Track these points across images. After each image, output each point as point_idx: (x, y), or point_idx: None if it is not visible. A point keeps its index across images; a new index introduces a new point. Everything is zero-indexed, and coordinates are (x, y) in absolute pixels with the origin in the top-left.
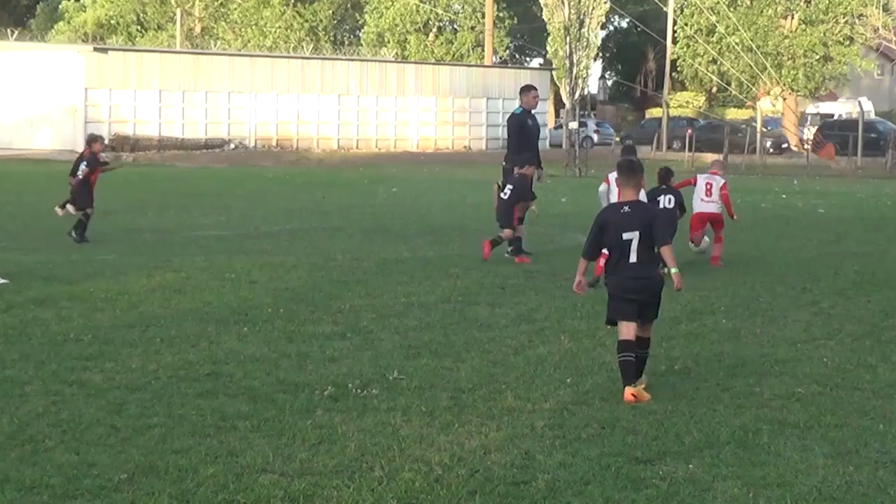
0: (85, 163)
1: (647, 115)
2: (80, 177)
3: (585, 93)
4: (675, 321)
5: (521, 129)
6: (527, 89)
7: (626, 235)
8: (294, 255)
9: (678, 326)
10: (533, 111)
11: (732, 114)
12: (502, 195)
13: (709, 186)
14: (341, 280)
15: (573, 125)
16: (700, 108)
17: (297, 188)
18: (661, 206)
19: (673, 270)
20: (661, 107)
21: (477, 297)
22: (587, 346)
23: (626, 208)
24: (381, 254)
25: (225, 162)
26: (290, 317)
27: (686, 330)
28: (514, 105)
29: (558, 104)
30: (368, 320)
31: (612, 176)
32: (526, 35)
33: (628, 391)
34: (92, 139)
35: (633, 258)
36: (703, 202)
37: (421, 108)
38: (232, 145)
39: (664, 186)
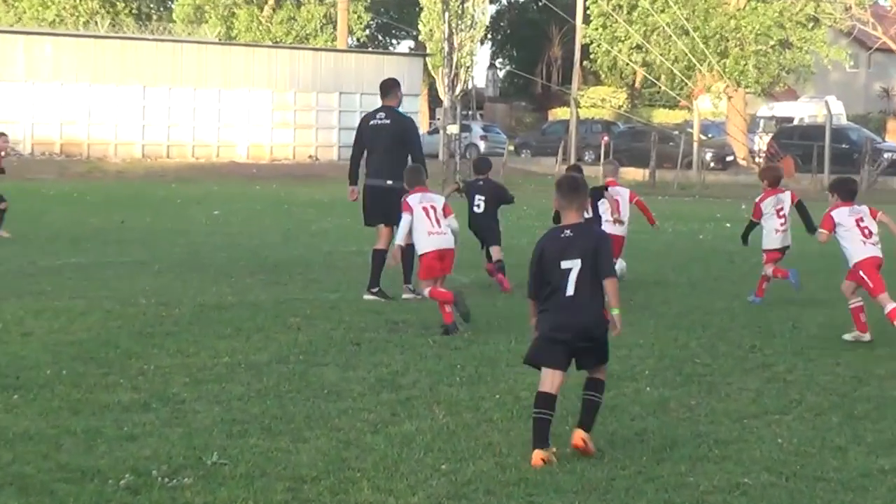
0: None
1: (551, 117)
2: None
3: (469, 87)
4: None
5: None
6: (394, 86)
7: (564, 264)
8: (82, 297)
9: None
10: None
11: (662, 116)
12: (476, 209)
13: (616, 205)
14: (144, 332)
15: (453, 129)
16: (620, 107)
17: (87, 209)
18: (474, 207)
19: (614, 311)
20: (568, 106)
21: (324, 355)
22: (468, 421)
23: (568, 232)
24: (197, 298)
25: None
26: (76, 381)
27: None
28: (376, 102)
29: (434, 101)
30: (180, 386)
31: (416, 199)
32: (392, 10)
33: (538, 454)
34: None
35: (569, 290)
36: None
37: (252, 104)
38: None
39: (480, 181)
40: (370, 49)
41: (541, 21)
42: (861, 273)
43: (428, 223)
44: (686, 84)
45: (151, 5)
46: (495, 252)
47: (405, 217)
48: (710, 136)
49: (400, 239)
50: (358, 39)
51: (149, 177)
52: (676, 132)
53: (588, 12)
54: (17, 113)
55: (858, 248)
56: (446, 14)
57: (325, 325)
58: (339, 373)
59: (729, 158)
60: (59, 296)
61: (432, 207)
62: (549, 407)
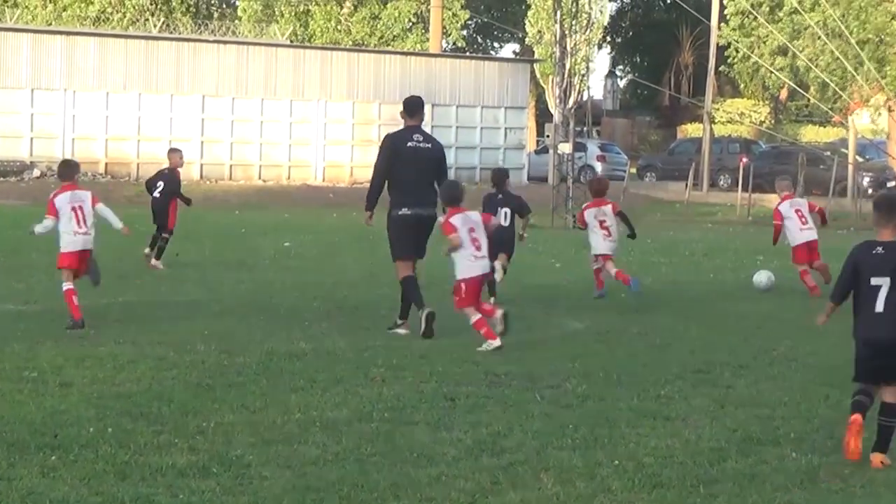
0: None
1: (680, 135)
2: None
3: (585, 98)
4: (718, 455)
5: None
6: (423, 105)
7: (874, 280)
8: (130, 343)
9: (723, 464)
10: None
11: (811, 134)
12: (504, 223)
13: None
14: (203, 384)
15: (565, 148)
16: (762, 123)
17: (136, 240)
18: (501, 220)
19: None
20: (700, 121)
21: (413, 413)
22: (582, 491)
23: (880, 249)
24: (264, 344)
25: (26, 198)
26: (124, 440)
27: (735, 469)
28: (474, 115)
29: (542, 115)
30: (244, 447)
31: (458, 220)
32: (494, 8)
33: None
34: None
35: (878, 307)
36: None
37: (330, 118)
38: (36, 171)
39: (500, 194)
40: (468, 54)
41: (668, 22)
42: None
43: (473, 248)
44: (840, 96)
45: (213, 2)
46: (502, 259)
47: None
48: (867, 157)
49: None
50: (454, 42)
51: (208, 202)
52: (828, 153)
53: (724, 11)
54: (55, 127)
55: None
56: (558, 13)
57: (414, 377)
58: (431, 433)
59: (890, 184)
60: (103, 340)
61: (472, 230)
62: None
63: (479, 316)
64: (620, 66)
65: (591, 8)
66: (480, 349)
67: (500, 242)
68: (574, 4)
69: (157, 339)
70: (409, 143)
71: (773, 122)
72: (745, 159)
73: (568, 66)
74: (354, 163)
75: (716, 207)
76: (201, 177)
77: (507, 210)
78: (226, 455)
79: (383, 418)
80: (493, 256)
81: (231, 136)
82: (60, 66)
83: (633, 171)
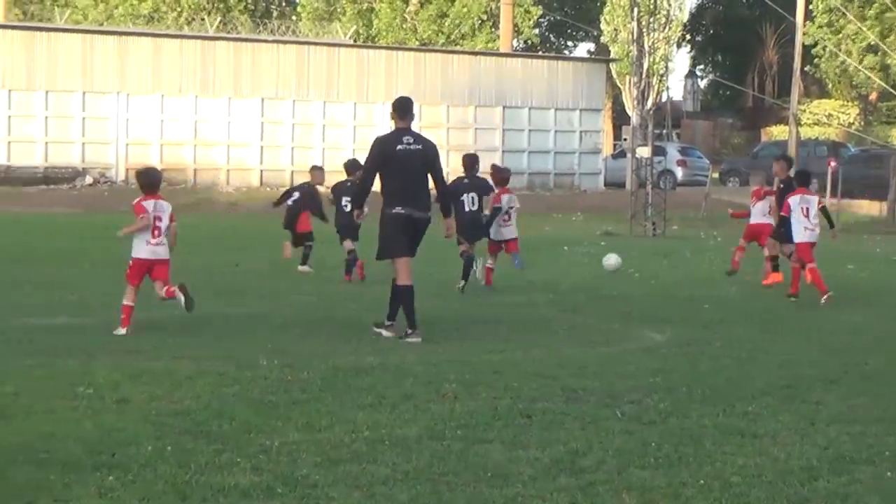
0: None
1: (764, 137)
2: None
3: (664, 99)
4: (809, 474)
5: None
6: (412, 106)
7: None
8: (189, 358)
9: (814, 484)
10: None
11: None
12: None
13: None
14: (266, 400)
15: (643, 152)
16: (851, 125)
17: (193, 249)
18: (466, 207)
19: None
20: (785, 123)
21: (486, 430)
22: None
23: None
24: (330, 358)
25: (78, 206)
26: (184, 459)
27: (827, 489)
28: (547, 118)
29: (619, 118)
30: (310, 466)
31: (506, 200)
32: (568, 5)
33: None
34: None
35: None
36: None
37: None
38: (88, 178)
39: (466, 179)
40: (540, 53)
41: (752, 19)
42: None
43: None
44: None
45: (273, 1)
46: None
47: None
48: None
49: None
50: (526, 41)
51: (268, 209)
52: None
53: (810, 7)
54: (108, 131)
55: None
56: (635, 10)
57: (488, 392)
58: (506, 452)
59: None
60: (161, 355)
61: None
62: None
63: (130, 303)
64: (701, 66)
65: (669, 4)
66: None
67: (466, 227)
68: (652, 1)
69: (217, 354)
70: (399, 146)
71: (862, 124)
72: (833, 163)
73: (646, 65)
74: None
75: None
76: (261, 183)
77: (474, 195)
78: (291, 475)
79: (456, 436)
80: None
81: (292, 141)
82: (113, 68)
83: (716, 175)
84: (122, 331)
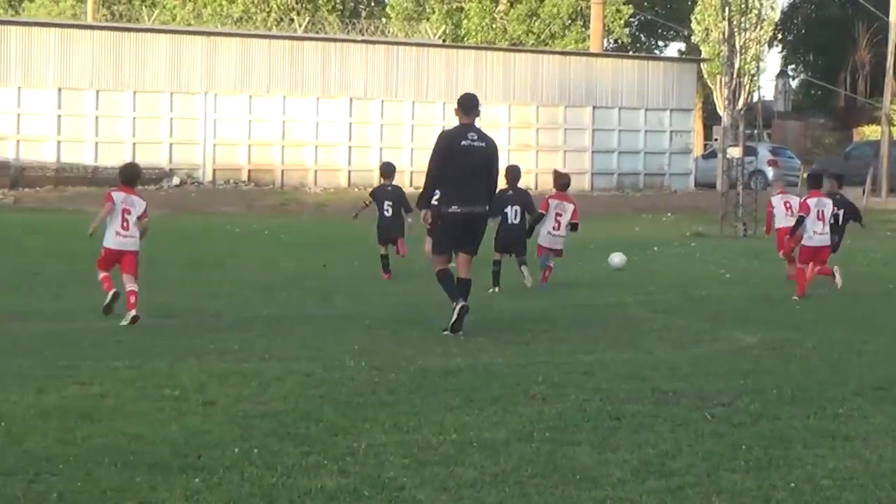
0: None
1: (857, 138)
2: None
3: (755, 99)
4: None
5: None
6: (478, 104)
7: None
8: (276, 359)
9: None
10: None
11: None
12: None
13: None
14: (353, 402)
15: (734, 152)
16: None
17: (280, 250)
18: (509, 220)
19: None
20: (878, 123)
21: (575, 432)
22: None
23: None
24: (417, 360)
25: (165, 207)
26: (270, 461)
27: None
28: (638, 118)
29: (710, 118)
30: (398, 469)
31: (553, 204)
32: (658, 5)
33: None
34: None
35: None
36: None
37: (485, 122)
38: (176, 179)
39: (510, 191)
40: (631, 53)
41: (844, 18)
42: None
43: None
44: None
45: (362, 1)
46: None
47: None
48: None
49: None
50: (616, 41)
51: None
52: None
53: None
54: (196, 132)
55: None
56: (726, 9)
57: (577, 394)
58: (595, 454)
59: None
60: (247, 356)
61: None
62: None
63: (106, 273)
64: (792, 66)
65: (761, 4)
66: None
67: (509, 241)
68: (743, 0)
69: (304, 355)
70: (464, 142)
71: None
72: None
73: (737, 65)
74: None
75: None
76: (349, 184)
77: (517, 208)
78: (378, 477)
79: (544, 438)
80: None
81: (381, 141)
82: (201, 69)
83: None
84: (108, 294)
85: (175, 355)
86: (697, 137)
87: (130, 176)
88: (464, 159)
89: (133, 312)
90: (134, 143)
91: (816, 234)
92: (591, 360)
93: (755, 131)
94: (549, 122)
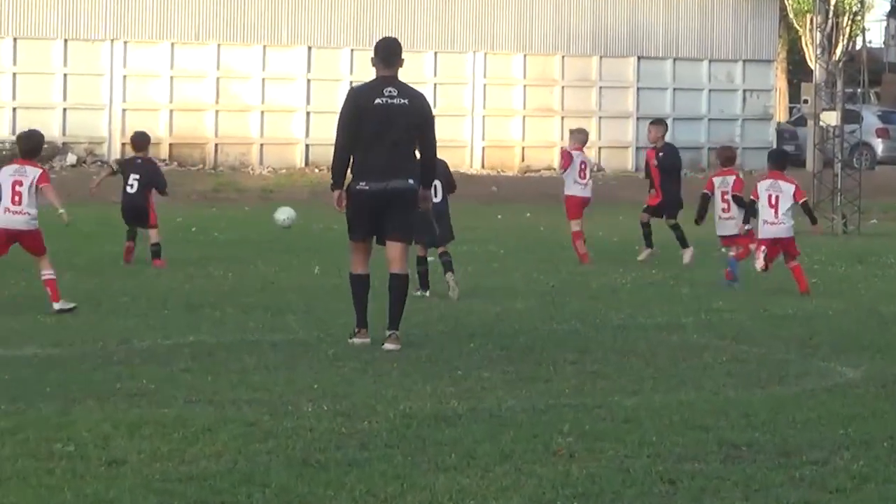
0: None
1: None
2: None
3: (858, 47)
4: None
5: None
6: (399, 48)
7: None
8: (207, 401)
9: None
10: None
11: None
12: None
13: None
14: (311, 460)
15: (829, 119)
16: None
17: (214, 253)
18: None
19: None
20: None
21: (614, 500)
22: None
23: None
24: (399, 402)
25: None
26: None
27: None
28: (698, 73)
29: (797, 72)
30: None
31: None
32: None
33: None
34: None
35: None
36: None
37: (493, 76)
38: (72, 157)
39: None
40: None
41: None
42: None
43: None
44: None
45: None
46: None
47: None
48: None
49: None
50: None
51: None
52: None
53: None
54: (100, 93)
55: None
56: None
57: (616, 449)
58: None
59: None
60: (167, 399)
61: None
62: None
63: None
64: None
65: None
66: None
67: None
68: None
69: (245, 397)
70: (378, 99)
71: None
72: None
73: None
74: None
75: None
76: (306, 163)
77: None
78: None
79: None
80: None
81: None
82: (106, 7)
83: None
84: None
85: (69, 397)
86: (780, 97)
87: (32, 146)
88: (378, 122)
89: (59, 305)
90: (14, 109)
91: (767, 223)
92: (635, 404)
93: (859, 90)
94: (579, 78)
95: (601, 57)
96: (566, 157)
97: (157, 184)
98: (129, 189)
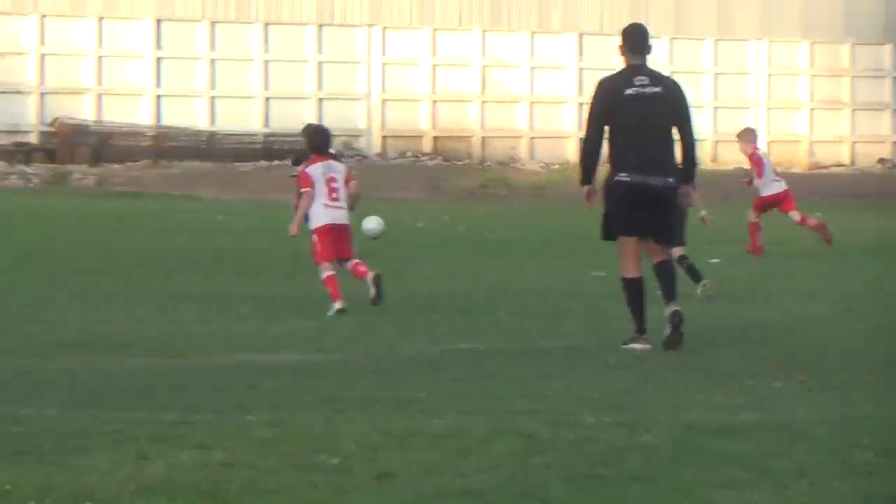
0: None
1: None
2: None
3: None
4: None
5: None
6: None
7: None
8: (481, 411)
9: None
10: None
11: None
12: None
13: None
14: (592, 475)
15: None
16: None
17: (483, 254)
18: None
19: None
20: None
21: None
22: None
23: None
24: (683, 413)
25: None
26: None
27: None
28: None
29: None
30: None
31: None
32: None
33: None
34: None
35: None
36: None
37: (777, 64)
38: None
39: None
40: None
41: None
42: None
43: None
44: None
45: None
46: None
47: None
48: None
49: None
50: None
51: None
52: None
53: None
54: (356, 82)
55: None
56: None
57: None
58: None
59: None
60: (439, 408)
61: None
62: None
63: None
64: None
65: None
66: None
67: None
68: None
69: (522, 407)
70: (629, 90)
71: None
72: None
73: None
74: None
75: None
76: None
77: None
78: None
79: None
80: None
81: None
82: None
83: None
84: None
85: (333, 407)
86: None
87: (324, 140)
88: (632, 113)
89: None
90: (266, 99)
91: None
92: None
93: None
94: (869, 68)
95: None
96: (759, 163)
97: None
98: None
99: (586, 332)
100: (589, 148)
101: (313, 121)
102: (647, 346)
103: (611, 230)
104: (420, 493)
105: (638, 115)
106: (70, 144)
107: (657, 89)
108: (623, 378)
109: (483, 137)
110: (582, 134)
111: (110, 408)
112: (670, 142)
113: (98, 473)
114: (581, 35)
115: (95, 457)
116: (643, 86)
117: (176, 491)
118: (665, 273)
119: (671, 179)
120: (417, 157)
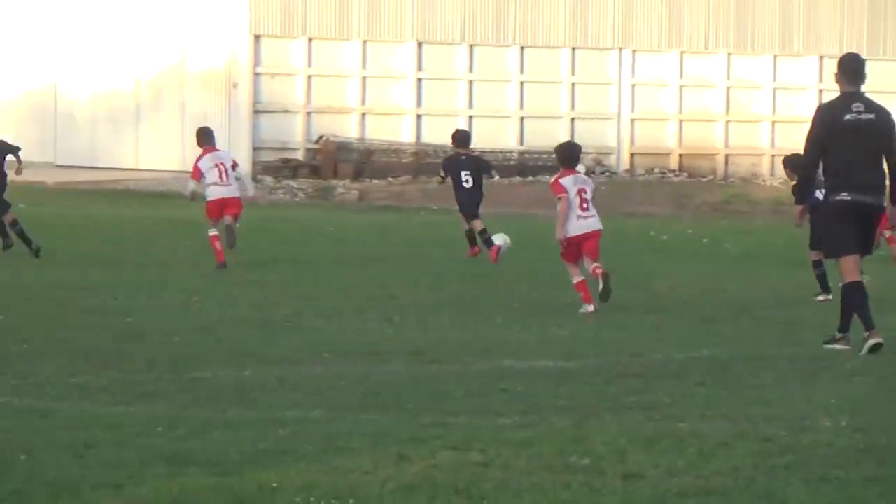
0: None
1: None
2: None
3: None
4: None
5: None
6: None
7: None
8: (722, 416)
9: None
10: None
11: None
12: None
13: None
14: (829, 477)
15: None
16: None
17: (726, 267)
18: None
19: None
20: None
21: None
22: None
23: None
24: None
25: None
26: None
27: None
28: None
29: None
30: None
31: None
32: None
33: None
34: None
35: None
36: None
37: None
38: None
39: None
40: None
41: None
42: None
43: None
44: None
45: None
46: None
47: None
48: None
49: None
50: None
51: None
52: None
53: None
54: (607, 102)
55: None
56: None
57: None
58: None
59: None
60: (682, 413)
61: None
62: None
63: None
64: None
65: None
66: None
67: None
68: None
69: (762, 412)
70: (848, 115)
71: None
72: None
73: None
74: None
75: None
76: None
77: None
78: None
79: None
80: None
81: None
82: (613, 16)
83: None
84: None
85: (582, 410)
86: None
87: (572, 155)
88: (850, 138)
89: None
90: (521, 118)
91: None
92: None
93: None
94: None
95: None
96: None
97: (487, 169)
98: (464, 185)
99: (822, 341)
100: (810, 170)
101: (565, 139)
102: (878, 340)
103: (838, 252)
104: (664, 493)
105: (855, 139)
106: (334, 160)
107: (871, 116)
108: (860, 384)
109: (727, 155)
110: None
111: (371, 411)
112: (881, 164)
113: (359, 473)
114: (822, 57)
115: (357, 457)
116: (859, 112)
117: (434, 490)
118: (852, 291)
119: (883, 199)
120: (664, 173)
